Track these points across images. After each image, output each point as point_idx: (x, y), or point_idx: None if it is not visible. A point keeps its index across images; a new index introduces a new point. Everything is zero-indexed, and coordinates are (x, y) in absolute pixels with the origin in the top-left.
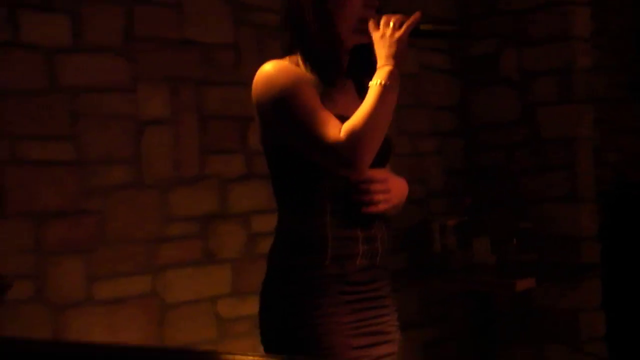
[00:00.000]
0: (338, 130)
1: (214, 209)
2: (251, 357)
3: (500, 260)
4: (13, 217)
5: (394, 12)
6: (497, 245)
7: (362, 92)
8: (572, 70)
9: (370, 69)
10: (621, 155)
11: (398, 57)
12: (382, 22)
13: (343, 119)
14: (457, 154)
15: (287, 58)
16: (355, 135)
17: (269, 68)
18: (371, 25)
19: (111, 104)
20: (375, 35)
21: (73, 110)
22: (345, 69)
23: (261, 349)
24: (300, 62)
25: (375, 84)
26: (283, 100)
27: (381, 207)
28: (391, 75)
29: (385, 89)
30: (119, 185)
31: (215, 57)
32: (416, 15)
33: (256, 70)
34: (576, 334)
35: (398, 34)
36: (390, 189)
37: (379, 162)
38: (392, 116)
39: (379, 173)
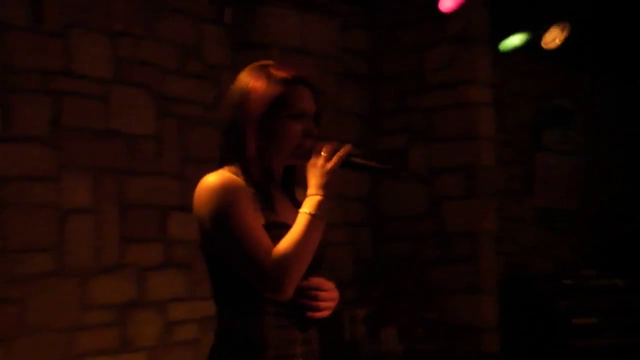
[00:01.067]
0: (268, 253)
1: (132, 297)
2: None
3: (407, 350)
4: None
5: (328, 141)
6: (404, 335)
7: (293, 201)
8: (476, 166)
9: (299, 184)
10: (518, 246)
11: (327, 187)
12: (316, 151)
13: (280, 225)
14: (366, 245)
15: (227, 168)
16: (283, 263)
17: (212, 180)
18: (304, 152)
19: (36, 193)
20: (309, 163)
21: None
22: (279, 182)
23: None
24: (240, 173)
25: (304, 212)
26: (222, 215)
27: (325, 312)
28: (320, 205)
29: (313, 218)
30: (40, 274)
31: (137, 148)
32: (347, 148)
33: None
34: None
35: (329, 165)
36: (333, 297)
37: (314, 268)
38: (322, 234)
39: (323, 282)
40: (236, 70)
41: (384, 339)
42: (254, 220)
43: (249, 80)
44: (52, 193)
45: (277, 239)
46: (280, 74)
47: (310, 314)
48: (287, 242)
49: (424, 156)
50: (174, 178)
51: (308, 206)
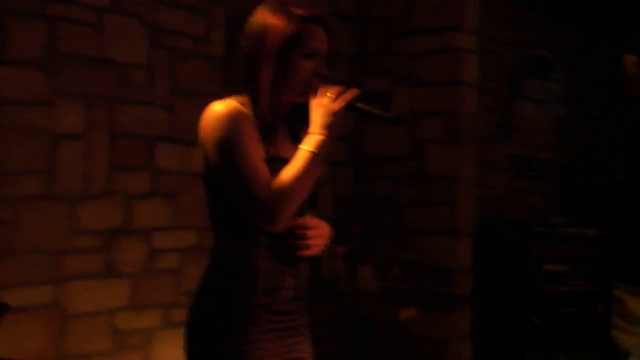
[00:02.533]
0: (266, 185)
1: (119, 224)
2: None
3: (382, 288)
4: None
5: (336, 83)
6: (381, 273)
7: (295, 138)
8: (458, 112)
9: (303, 122)
10: (492, 192)
11: (330, 127)
12: (321, 91)
13: (280, 160)
14: (347, 183)
15: (234, 97)
16: (279, 195)
17: (218, 109)
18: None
19: (29, 117)
20: (314, 102)
21: None
22: (285, 118)
23: None
24: (247, 104)
25: (305, 149)
26: (226, 143)
27: (313, 251)
28: (321, 144)
29: (313, 156)
30: (31, 196)
31: (129, 77)
32: (354, 91)
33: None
34: None
35: (335, 106)
36: (323, 235)
37: (308, 205)
38: (320, 173)
39: (313, 221)
40: (228, 6)
41: (361, 276)
42: (255, 152)
43: (267, 14)
44: (44, 118)
45: (276, 172)
46: (298, 11)
47: (299, 252)
48: (285, 175)
49: (406, 99)
50: (163, 109)
51: (309, 143)
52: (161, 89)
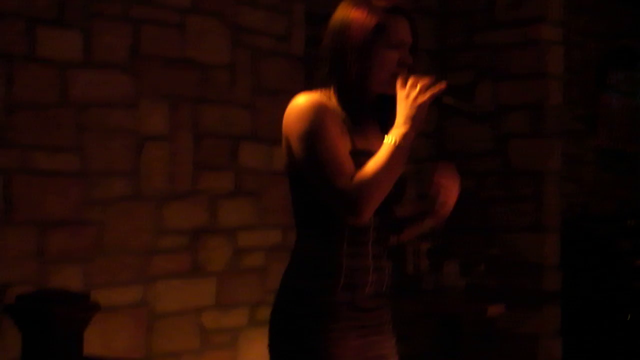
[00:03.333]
0: (350, 177)
1: (204, 224)
2: None
3: (468, 284)
4: (19, 224)
5: (423, 75)
6: (466, 270)
7: (383, 129)
8: (544, 105)
9: (391, 115)
10: (579, 186)
11: (416, 120)
12: (409, 83)
13: (365, 153)
14: (431, 180)
15: (320, 91)
16: (362, 188)
17: (302, 101)
18: (399, 82)
19: (115, 118)
20: (400, 94)
21: (80, 123)
22: (370, 109)
23: None
24: (333, 97)
25: (389, 142)
26: (310, 135)
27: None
28: (406, 137)
29: (397, 149)
30: (118, 197)
31: (212, 77)
32: (442, 85)
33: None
34: (535, 358)
35: (421, 98)
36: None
37: (394, 200)
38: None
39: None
40: (308, 3)
41: (446, 273)
42: (339, 144)
43: (350, 8)
44: (129, 119)
45: (362, 165)
46: (381, 3)
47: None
48: (368, 168)
49: (490, 93)
50: (245, 108)
51: (394, 135)
52: (243, 88)
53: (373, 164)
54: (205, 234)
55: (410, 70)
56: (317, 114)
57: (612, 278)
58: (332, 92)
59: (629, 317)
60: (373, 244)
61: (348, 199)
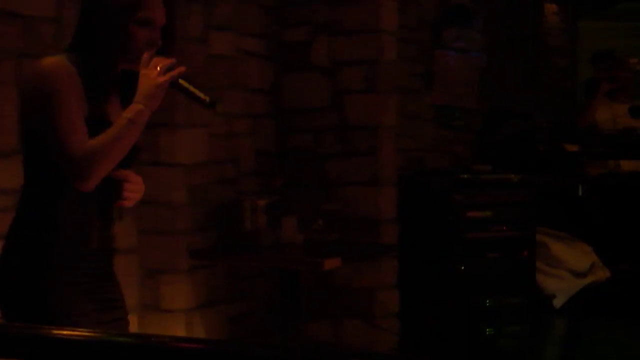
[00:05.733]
0: (81, 144)
1: None
2: None
3: (306, 240)
4: None
5: (166, 57)
6: (304, 225)
7: (124, 103)
8: (378, 61)
9: (133, 91)
10: (414, 142)
11: (153, 99)
12: (151, 63)
13: (103, 122)
14: (268, 136)
15: (66, 55)
16: (91, 156)
17: (47, 64)
18: (143, 61)
19: None
20: (142, 72)
21: None
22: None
23: None
24: (78, 62)
25: (124, 117)
26: (49, 98)
27: (130, 202)
28: (140, 114)
29: (130, 124)
30: None
31: (36, 30)
32: (181, 69)
33: None
34: (372, 310)
35: (160, 79)
36: (139, 190)
37: (126, 164)
38: (137, 137)
39: (132, 175)
40: None
41: (285, 229)
42: (75, 109)
43: None
44: None
45: (97, 134)
46: None
47: (118, 203)
48: (100, 138)
49: (327, 49)
50: None
51: (130, 111)
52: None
53: (105, 136)
54: None
55: (158, 51)
56: (61, 78)
57: (446, 230)
58: (78, 56)
59: (462, 267)
60: (99, 203)
61: (76, 166)
